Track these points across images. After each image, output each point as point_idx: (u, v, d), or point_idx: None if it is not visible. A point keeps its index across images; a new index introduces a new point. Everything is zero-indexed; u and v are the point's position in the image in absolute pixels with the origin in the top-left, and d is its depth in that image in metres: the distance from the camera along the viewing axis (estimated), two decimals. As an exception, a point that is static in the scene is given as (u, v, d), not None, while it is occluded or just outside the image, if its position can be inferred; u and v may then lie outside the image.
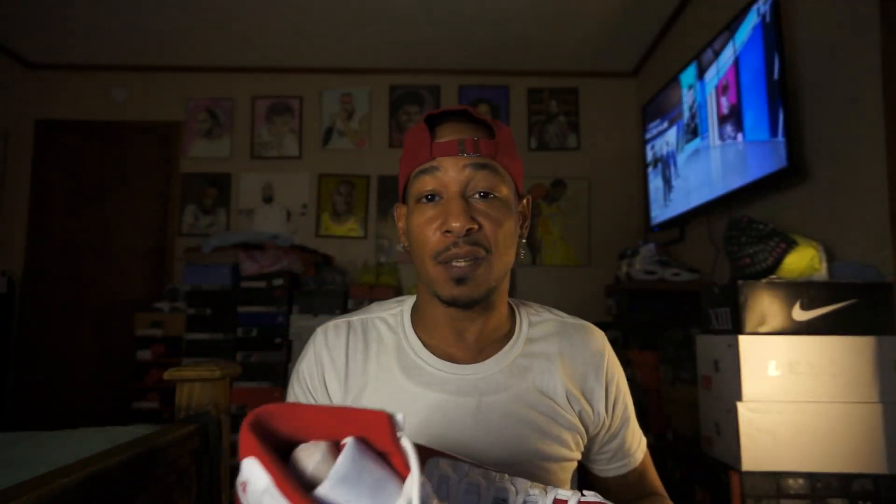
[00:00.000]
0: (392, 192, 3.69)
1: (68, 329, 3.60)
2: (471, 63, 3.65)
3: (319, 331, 0.81)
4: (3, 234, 3.60)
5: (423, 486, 0.34)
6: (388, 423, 0.34)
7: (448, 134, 0.72)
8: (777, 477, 1.41)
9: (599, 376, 0.79)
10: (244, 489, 0.35)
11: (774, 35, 1.88)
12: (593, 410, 0.78)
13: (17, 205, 3.65)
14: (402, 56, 3.59)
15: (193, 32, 3.33)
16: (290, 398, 0.80)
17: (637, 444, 0.84)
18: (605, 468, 0.84)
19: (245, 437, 0.35)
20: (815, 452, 1.40)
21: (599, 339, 0.82)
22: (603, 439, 0.81)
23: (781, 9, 1.90)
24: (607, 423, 0.80)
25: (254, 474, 0.34)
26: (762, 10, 1.95)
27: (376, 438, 0.35)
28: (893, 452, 1.37)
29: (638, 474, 0.84)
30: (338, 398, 0.76)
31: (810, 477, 1.39)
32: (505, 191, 0.72)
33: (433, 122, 0.74)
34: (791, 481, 1.40)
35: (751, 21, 2.03)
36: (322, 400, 0.77)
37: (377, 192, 3.72)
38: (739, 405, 1.45)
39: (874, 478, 1.37)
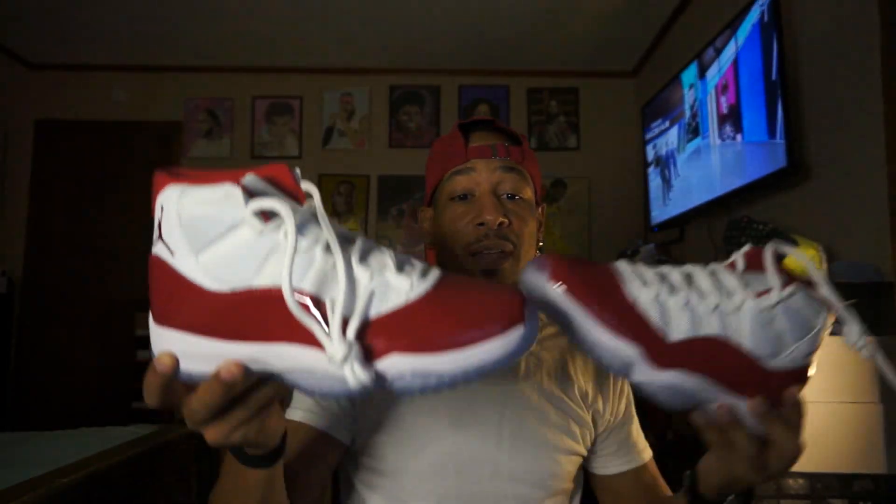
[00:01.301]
0: (392, 192, 3.69)
1: (68, 329, 3.60)
2: (471, 63, 3.65)
3: None
4: (3, 234, 3.60)
5: (303, 213, 0.39)
6: (290, 171, 0.40)
7: (480, 140, 0.79)
8: (777, 477, 1.41)
9: (607, 375, 0.83)
10: (160, 221, 0.40)
11: (774, 34, 1.88)
12: (602, 402, 0.82)
13: (17, 205, 3.65)
14: (402, 56, 3.59)
15: (193, 32, 3.33)
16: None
17: (643, 445, 0.85)
18: (612, 463, 0.83)
19: (159, 176, 0.40)
20: (815, 452, 1.40)
21: None
22: (610, 427, 0.83)
23: (781, 8, 1.90)
24: (614, 411, 0.83)
25: (169, 195, 0.39)
26: (762, 9, 1.95)
27: (281, 183, 0.40)
28: (893, 452, 1.37)
29: (651, 476, 0.83)
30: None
31: (810, 477, 1.39)
32: (529, 193, 0.79)
33: (465, 130, 0.81)
34: (791, 481, 1.40)
35: (751, 20, 2.03)
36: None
37: (377, 192, 3.72)
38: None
39: (874, 478, 1.37)
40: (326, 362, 0.37)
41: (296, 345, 0.38)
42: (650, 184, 3.10)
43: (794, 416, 0.50)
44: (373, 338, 0.38)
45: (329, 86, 3.78)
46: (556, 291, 0.44)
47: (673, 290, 0.46)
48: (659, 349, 0.45)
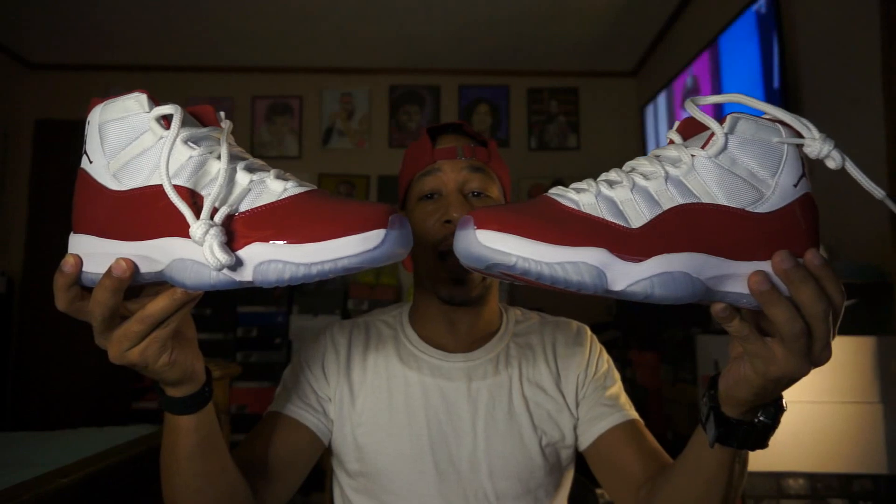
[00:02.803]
0: (392, 192, 3.69)
1: (68, 329, 3.58)
2: (471, 63, 3.65)
3: (326, 328, 0.86)
4: (3, 234, 3.60)
5: (206, 133, 0.44)
6: (213, 109, 0.47)
7: (447, 142, 0.81)
8: (777, 477, 1.41)
9: (582, 346, 0.84)
10: (86, 135, 0.46)
11: (774, 34, 1.88)
12: (576, 383, 0.82)
13: (17, 205, 3.65)
14: (402, 56, 3.59)
15: (193, 32, 3.33)
16: (291, 370, 0.83)
17: (629, 406, 0.82)
18: (596, 425, 0.79)
19: (93, 100, 0.46)
20: (815, 452, 1.40)
21: (577, 326, 0.88)
22: (589, 395, 0.81)
23: (781, 9, 1.90)
24: (591, 379, 0.83)
25: (94, 111, 0.45)
26: (761, 10, 1.95)
27: (204, 119, 0.47)
28: (893, 452, 1.37)
29: (641, 432, 0.78)
30: (340, 382, 0.81)
31: (810, 477, 1.39)
32: (496, 192, 0.81)
33: (432, 134, 0.83)
34: (791, 481, 1.40)
35: (750, 20, 2.03)
36: (321, 386, 0.80)
37: (377, 191, 3.71)
38: (739, 405, 1.44)
39: (874, 478, 1.37)
40: (194, 251, 0.40)
41: (173, 238, 0.41)
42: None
43: (824, 274, 0.41)
44: (239, 227, 0.41)
45: (329, 85, 3.78)
46: (488, 236, 0.39)
47: (612, 183, 0.42)
48: (625, 240, 0.39)
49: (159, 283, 0.46)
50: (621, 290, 0.40)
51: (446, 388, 0.79)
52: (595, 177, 0.44)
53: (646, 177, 0.42)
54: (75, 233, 0.47)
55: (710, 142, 0.42)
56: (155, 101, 0.43)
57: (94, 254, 0.45)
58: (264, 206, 0.41)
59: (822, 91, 1.87)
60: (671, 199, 0.41)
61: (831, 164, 0.41)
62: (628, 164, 0.45)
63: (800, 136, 0.42)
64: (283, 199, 0.42)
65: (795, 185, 0.42)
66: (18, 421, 3.47)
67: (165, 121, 0.43)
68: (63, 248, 0.48)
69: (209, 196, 0.41)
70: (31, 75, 3.74)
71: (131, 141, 0.43)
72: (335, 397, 0.79)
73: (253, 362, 3.01)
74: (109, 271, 0.43)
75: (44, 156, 3.73)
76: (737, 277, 0.41)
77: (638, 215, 0.40)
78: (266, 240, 0.39)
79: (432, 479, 0.75)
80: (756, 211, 0.41)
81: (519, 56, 3.55)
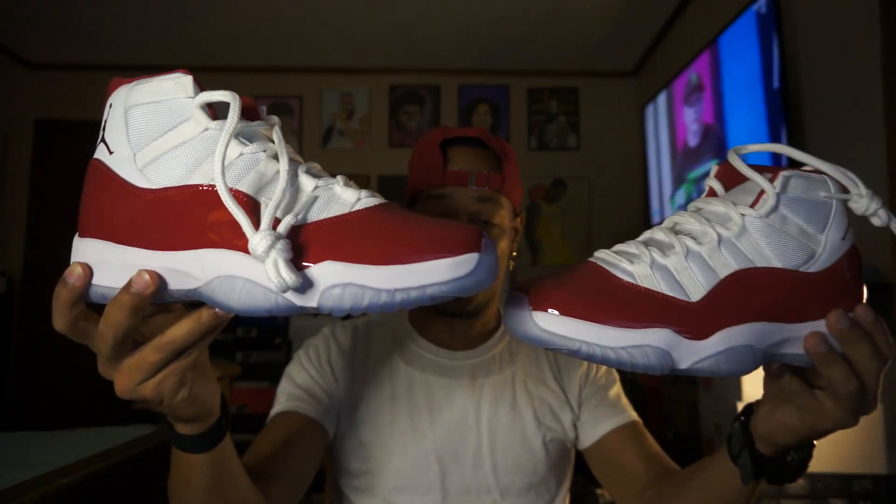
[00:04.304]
0: (392, 192, 3.69)
1: (68, 329, 3.60)
2: (471, 63, 3.65)
3: (328, 327, 0.86)
4: (3, 234, 3.60)
5: (256, 127, 0.38)
6: (255, 103, 0.40)
7: (460, 161, 0.76)
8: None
9: None
10: (106, 120, 0.38)
11: (774, 34, 1.88)
12: (579, 383, 0.83)
13: (17, 205, 3.64)
14: (402, 56, 3.59)
15: (193, 32, 3.33)
16: (295, 365, 0.82)
17: (629, 407, 0.83)
18: (598, 427, 0.80)
19: (114, 81, 0.39)
20: (815, 452, 1.40)
21: None
22: (590, 395, 0.83)
23: (781, 9, 1.90)
24: (594, 380, 0.84)
25: (119, 92, 0.38)
26: (761, 10, 1.95)
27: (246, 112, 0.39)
28: (893, 452, 1.37)
29: (642, 434, 0.80)
30: (345, 379, 0.81)
31: (810, 477, 1.39)
32: (503, 217, 0.78)
33: (445, 145, 0.77)
34: (791, 481, 1.40)
35: (750, 20, 2.03)
36: (327, 383, 0.80)
37: (377, 191, 3.71)
38: (740, 405, 1.44)
39: (874, 478, 1.37)
40: (250, 267, 0.33)
41: (219, 249, 0.34)
42: (650, 183, 3.10)
43: (876, 330, 0.42)
44: (307, 241, 0.34)
45: (329, 85, 3.77)
46: (547, 319, 0.37)
47: (664, 248, 0.40)
48: (689, 317, 0.38)
49: (173, 301, 0.38)
50: (687, 369, 0.39)
51: (450, 386, 0.79)
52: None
53: (697, 240, 0.40)
54: (83, 237, 0.39)
55: (761, 201, 0.41)
56: (199, 84, 0.37)
57: (109, 263, 0.37)
58: (334, 217, 0.35)
59: (822, 91, 1.87)
60: (726, 265, 0.40)
61: (877, 221, 0.42)
62: (671, 220, 0.43)
63: (846, 190, 0.42)
64: (357, 210, 0.36)
65: (843, 239, 0.42)
66: (18, 421, 3.47)
67: (211, 109, 0.36)
68: (65, 248, 0.40)
69: (269, 202, 0.34)
70: (31, 75, 3.74)
71: (167, 130, 0.36)
72: (340, 395, 0.79)
73: (253, 362, 3.01)
74: (129, 285, 0.35)
75: (44, 156, 3.73)
76: (793, 340, 0.41)
77: (696, 286, 0.39)
78: (340, 259, 0.33)
79: (436, 476, 0.76)
80: (809, 271, 0.41)
81: (519, 56, 3.55)
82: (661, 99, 2.93)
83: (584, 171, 3.69)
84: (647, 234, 0.43)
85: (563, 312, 0.37)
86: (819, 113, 1.88)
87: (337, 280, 0.33)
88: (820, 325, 0.41)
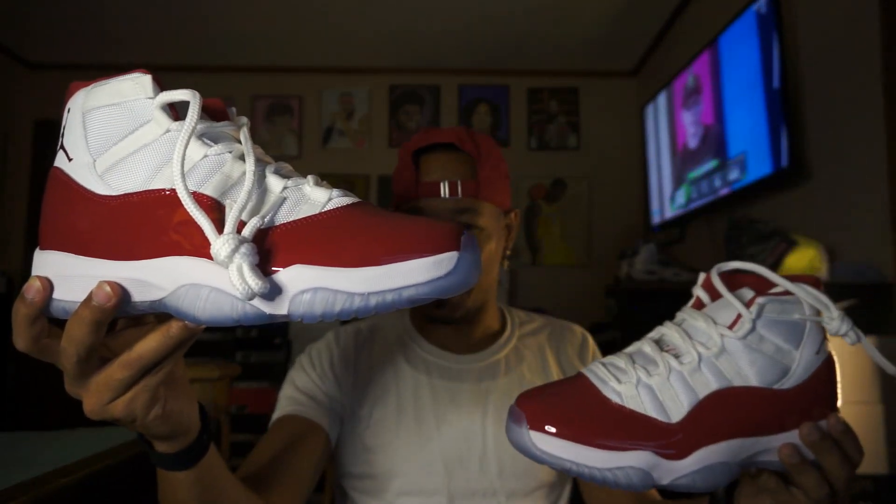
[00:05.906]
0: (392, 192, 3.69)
1: (68, 329, 3.60)
2: (471, 63, 3.65)
3: (331, 331, 0.86)
4: (3, 234, 3.60)
5: (222, 128, 0.36)
6: (223, 103, 0.38)
7: (433, 170, 0.74)
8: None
9: (585, 358, 0.86)
10: (64, 126, 0.37)
11: (774, 34, 1.88)
12: None
13: (17, 205, 3.64)
14: (402, 56, 3.59)
15: (193, 32, 3.33)
16: (297, 370, 0.82)
17: None
18: None
19: (73, 84, 0.37)
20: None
21: (580, 331, 0.90)
22: None
23: (782, 8, 1.90)
24: None
25: (77, 96, 0.37)
26: (761, 10, 1.95)
27: (215, 112, 0.38)
28: (893, 452, 1.37)
29: None
30: (348, 383, 0.81)
31: (810, 477, 1.39)
32: (485, 221, 0.76)
33: (417, 155, 0.77)
34: (791, 481, 1.40)
35: (750, 20, 2.03)
36: (329, 387, 0.80)
37: (377, 191, 3.71)
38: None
39: (874, 478, 1.37)
40: (215, 275, 0.31)
41: (181, 257, 0.32)
42: (650, 183, 3.10)
43: (846, 439, 0.45)
44: (275, 244, 0.32)
45: (329, 85, 3.77)
46: (543, 440, 0.41)
47: (649, 367, 0.44)
48: (669, 438, 0.41)
49: (141, 314, 0.36)
50: (667, 485, 0.42)
51: (456, 390, 0.79)
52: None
53: (679, 359, 0.44)
54: (42, 249, 0.36)
55: (738, 324, 0.44)
56: (159, 83, 0.35)
57: (69, 276, 0.35)
58: (304, 219, 0.33)
59: (822, 91, 1.87)
60: (706, 384, 0.43)
61: (849, 340, 0.45)
62: (658, 331, 0.47)
63: (818, 312, 0.45)
64: (328, 210, 0.33)
65: (817, 353, 0.45)
66: (18, 421, 3.47)
67: (173, 110, 0.35)
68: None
69: (234, 205, 0.32)
70: (31, 75, 3.74)
71: (127, 134, 0.34)
72: (343, 399, 0.79)
73: (252, 362, 3.01)
74: (89, 299, 0.33)
75: (44, 156, 3.72)
76: (769, 451, 0.44)
77: (677, 406, 0.42)
78: (309, 262, 0.31)
79: (442, 480, 0.75)
80: (784, 388, 0.44)
81: (519, 56, 3.55)
82: (661, 99, 2.93)
83: (584, 171, 3.69)
84: (636, 346, 0.46)
85: (557, 434, 0.41)
86: (819, 113, 1.88)
87: (306, 285, 0.31)
88: (793, 436, 0.44)
